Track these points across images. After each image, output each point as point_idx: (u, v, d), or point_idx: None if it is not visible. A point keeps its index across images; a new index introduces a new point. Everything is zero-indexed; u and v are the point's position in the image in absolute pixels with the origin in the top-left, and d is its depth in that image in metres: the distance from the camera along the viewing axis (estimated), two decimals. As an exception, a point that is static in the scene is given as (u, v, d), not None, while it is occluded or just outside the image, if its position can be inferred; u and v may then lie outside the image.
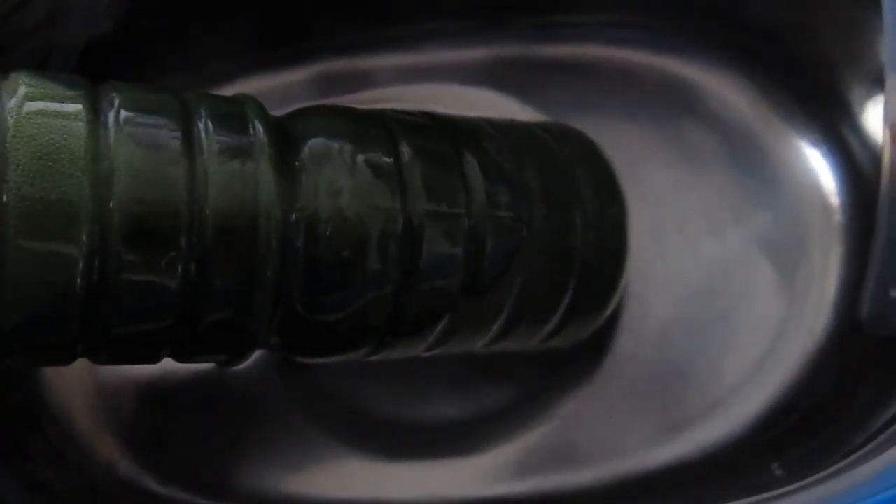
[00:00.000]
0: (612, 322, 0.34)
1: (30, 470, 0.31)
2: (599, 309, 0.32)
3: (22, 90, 0.23)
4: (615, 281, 0.32)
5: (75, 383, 0.32)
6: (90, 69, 0.25)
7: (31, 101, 0.22)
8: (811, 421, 0.32)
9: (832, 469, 0.25)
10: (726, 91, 0.37)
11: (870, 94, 0.34)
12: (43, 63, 0.31)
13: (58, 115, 0.23)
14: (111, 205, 0.22)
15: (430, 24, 0.38)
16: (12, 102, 0.22)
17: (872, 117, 0.34)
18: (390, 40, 0.38)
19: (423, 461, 0.33)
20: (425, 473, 0.33)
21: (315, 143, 0.26)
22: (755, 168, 0.36)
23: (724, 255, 0.35)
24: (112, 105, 0.23)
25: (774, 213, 0.35)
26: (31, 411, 0.32)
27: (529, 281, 0.28)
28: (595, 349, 0.34)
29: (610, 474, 0.32)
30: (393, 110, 0.29)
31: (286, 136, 0.26)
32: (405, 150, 0.26)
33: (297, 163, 0.25)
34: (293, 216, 0.24)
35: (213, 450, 0.33)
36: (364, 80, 0.38)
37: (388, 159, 0.26)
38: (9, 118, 0.22)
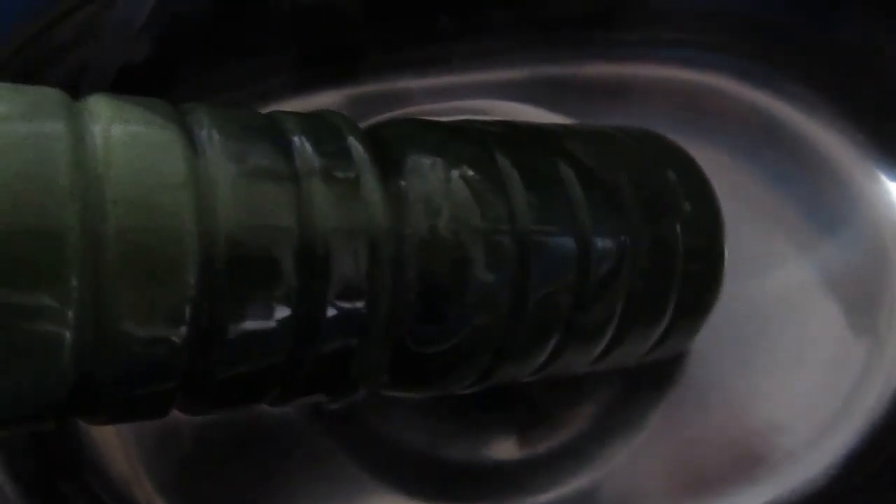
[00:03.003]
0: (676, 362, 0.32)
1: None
2: (701, 314, 0.30)
3: (106, 113, 0.20)
4: (716, 284, 0.29)
5: (112, 428, 0.31)
6: (123, 89, 0.23)
7: (119, 125, 0.20)
8: None
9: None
10: (802, 118, 0.35)
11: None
12: (76, 84, 0.30)
13: (149, 140, 0.20)
14: (217, 237, 0.19)
15: (475, 44, 0.37)
16: (98, 128, 0.19)
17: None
18: (432, 60, 0.37)
19: (469, 503, 0.31)
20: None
21: (414, 160, 0.23)
22: (835, 200, 0.34)
23: (802, 288, 0.33)
24: (202, 126, 0.21)
25: (854, 247, 0.34)
26: (68, 456, 0.30)
27: (634, 291, 0.27)
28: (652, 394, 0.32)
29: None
30: (479, 120, 0.27)
31: (381, 152, 0.23)
32: (502, 164, 0.24)
33: (402, 182, 0.23)
34: (404, 242, 0.22)
35: (254, 493, 0.31)
36: (405, 100, 0.36)
37: (488, 175, 0.24)
38: (98, 146, 0.19)
